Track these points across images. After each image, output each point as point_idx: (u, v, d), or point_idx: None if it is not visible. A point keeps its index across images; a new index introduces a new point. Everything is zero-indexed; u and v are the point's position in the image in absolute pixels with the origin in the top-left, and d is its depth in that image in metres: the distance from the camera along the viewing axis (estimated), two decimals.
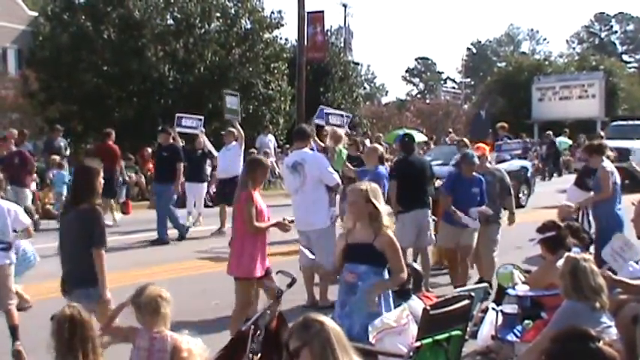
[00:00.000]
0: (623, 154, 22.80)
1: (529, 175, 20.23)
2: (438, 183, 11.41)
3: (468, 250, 9.64)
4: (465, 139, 15.54)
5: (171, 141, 15.18)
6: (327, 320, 3.66)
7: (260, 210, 7.27)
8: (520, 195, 18.82)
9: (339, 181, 9.70)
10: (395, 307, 5.70)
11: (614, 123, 28.13)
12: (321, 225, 9.17)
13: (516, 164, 19.14)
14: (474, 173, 9.61)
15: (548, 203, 19.05)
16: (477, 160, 9.59)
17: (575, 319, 4.88)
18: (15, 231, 7.39)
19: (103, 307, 5.80)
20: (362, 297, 5.59)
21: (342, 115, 14.54)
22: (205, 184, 17.20)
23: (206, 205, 19.73)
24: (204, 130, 16.60)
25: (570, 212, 9.85)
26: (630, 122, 27.38)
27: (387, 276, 5.75)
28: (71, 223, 6.15)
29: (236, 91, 29.28)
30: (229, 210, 11.96)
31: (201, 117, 16.76)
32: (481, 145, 11.04)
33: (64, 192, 17.06)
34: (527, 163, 21.05)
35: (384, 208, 5.83)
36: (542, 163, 29.18)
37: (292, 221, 7.93)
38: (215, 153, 16.33)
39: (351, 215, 5.85)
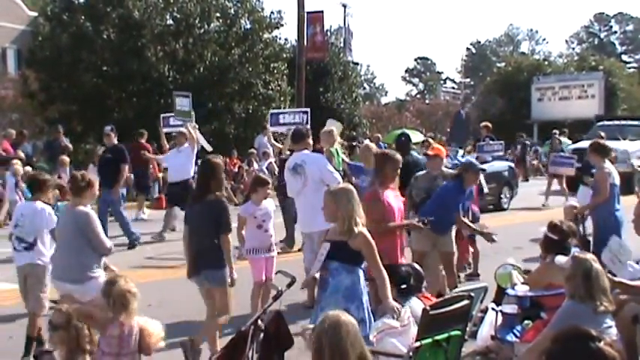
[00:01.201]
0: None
1: (510, 176, 19.39)
2: None
3: (450, 257, 8.79)
4: (430, 139, 15.53)
5: (115, 141, 14.71)
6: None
7: (390, 208, 7.25)
8: (502, 197, 18.37)
9: (340, 179, 9.69)
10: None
11: (600, 123, 27.00)
12: (325, 226, 9.12)
13: (498, 165, 18.54)
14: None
15: (528, 204, 19.11)
16: (480, 168, 9.35)
17: (576, 319, 4.87)
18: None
19: (223, 288, 6.84)
20: (332, 293, 5.69)
21: (298, 113, 14.45)
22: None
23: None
24: (197, 125, 15.81)
25: (574, 213, 9.84)
26: (616, 122, 26.47)
27: (361, 274, 5.81)
28: (200, 213, 6.86)
29: (236, 91, 29.50)
30: (181, 213, 11.83)
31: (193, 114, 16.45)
32: (436, 146, 10.68)
33: None
34: (509, 165, 20.33)
35: (357, 208, 5.83)
36: (516, 164, 28.45)
37: (425, 222, 7.74)
38: (208, 147, 15.96)
39: (325, 217, 5.98)
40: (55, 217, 7.43)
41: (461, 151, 18.03)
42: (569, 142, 30.13)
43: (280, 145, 13.97)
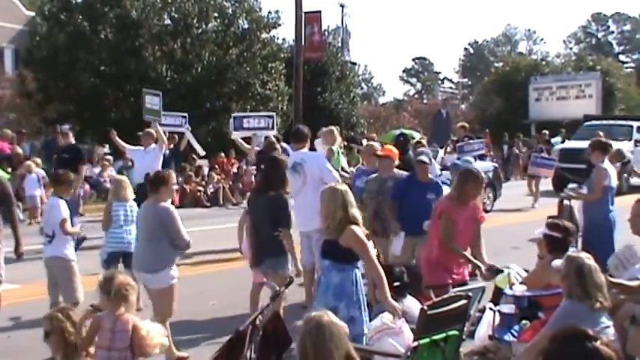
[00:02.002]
0: None
1: (494, 177, 18.95)
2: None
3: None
4: (423, 140, 15.45)
5: (72, 141, 14.30)
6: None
7: (457, 228, 6.93)
8: (485, 199, 17.54)
9: (339, 179, 9.68)
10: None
11: (588, 122, 26.49)
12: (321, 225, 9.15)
13: (481, 166, 18.11)
14: (431, 177, 9.01)
15: (514, 206, 19.03)
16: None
17: (574, 319, 4.88)
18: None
19: (284, 275, 7.13)
20: (322, 291, 5.74)
21: (263, 117, 14.23)
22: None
23: (203, 205, 19.84)
24: (189, 127, 15.83)
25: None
26: (604, 122, 25.94)
27: (355, 272, 5.78)
28: (263, 208, 7.30)
29: (234, 91, 29.52)
30: None
31: (185, 114, 16.20)
32: (388, 146, 10.20)
33: None
34: (493, 165, 19.99)
35: (348, 207, 5.82)
36: (502, 165, 27.92)
37: (498, 271, 7.15)
38: (200, 151, 15.63)
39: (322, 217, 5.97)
40: (67, 210, 7.81)
41: (441, 151, 17.99)
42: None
43: (247, 146, 13.71)
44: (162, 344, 5.31)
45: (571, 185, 10.57)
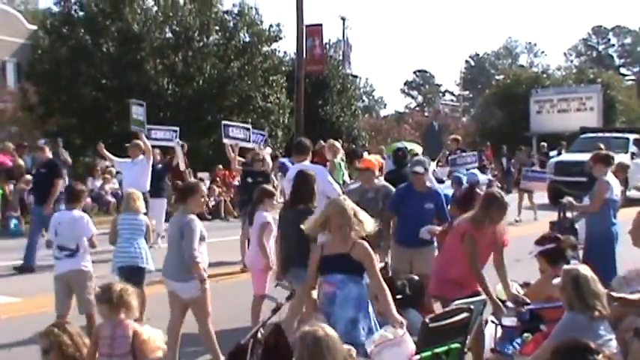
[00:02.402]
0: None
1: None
2: None
3: (424, 279, 7.47)
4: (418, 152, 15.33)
5: (49, 155, 14.09)
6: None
7: (478, 251, 6.75)
8: None
9: (340, 192, 9.68)
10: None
11: (584, 135, 26.28)
12: (322, 238, 9.13)
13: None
14: (429, 185, 8.75)
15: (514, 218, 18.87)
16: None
17: (576, 331, 4.87)
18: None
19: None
20: (341, 305, 5.67)
21: (246, 129, 14.17)
22: (165, 200, 15.90)
23: (204, 218, 19.78)
24: (180, 141, 15.76)
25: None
26: (601, 134, 25.29)
27: (365, 285, 5.78)
28: (291, 220, 7.27)
29: (235, 104, 29.56)
30: None
31: (176, 128, 16.08)
32: (367, 158, 10.22)
33: None
34: (488, 178, 19.64)
35: (364, 220, 5.85)
36: (502, 177, 27.55)
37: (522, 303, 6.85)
38: (182, 166, 15.53)
39: (333, 229, 5.87)
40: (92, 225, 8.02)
41: (433, 164, 17.85)
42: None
43: (232, 154, 13.68)
44: (163, 349, 5.37)
45: (569, 198, 10.46)
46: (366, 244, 5.78)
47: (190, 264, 6.93)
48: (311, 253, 6.15)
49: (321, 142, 15.34)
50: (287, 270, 7.52)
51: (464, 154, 18.01)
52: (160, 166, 15.35)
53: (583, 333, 4.78)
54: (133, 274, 8.50)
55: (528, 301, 6.85)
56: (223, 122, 14.12)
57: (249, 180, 12.68)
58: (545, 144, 30.43)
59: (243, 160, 13.89)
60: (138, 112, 14.71)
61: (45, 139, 16.21)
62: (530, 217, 18.88)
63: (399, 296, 6.19)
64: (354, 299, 5.70)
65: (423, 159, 9.05)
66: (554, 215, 14.98)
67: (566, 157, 24.80)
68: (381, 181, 9.49)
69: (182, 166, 15.59)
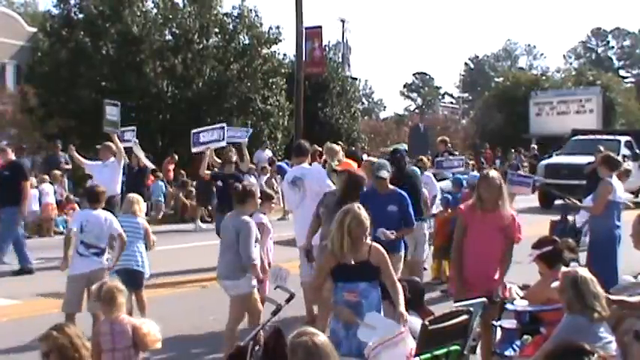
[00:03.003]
0: (581, 172, 20.57)
1: None
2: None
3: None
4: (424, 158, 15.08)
5: (11, 157, 13.67)
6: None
7: (473, 237, 6.90)
8: None
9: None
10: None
11: (575, 137, 26.00)
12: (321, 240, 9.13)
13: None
14: (390, 187, 8.38)
15: None
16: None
17: (576, 333, 4.88)
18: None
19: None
20: (369, 312, 5.54)
21: (220, 128, 13.41)
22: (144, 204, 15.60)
23: (204, 220, 19.81)
24: (137, 141, 15.15)
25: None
26: (592, 137, 25.02)
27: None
28: None
29: (235, 106, 29.55)
30: None
31: (134, 127, 15.64)
32: (346, 160, 9.54)
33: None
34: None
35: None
36: None
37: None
38: (150, 166, 14.96)
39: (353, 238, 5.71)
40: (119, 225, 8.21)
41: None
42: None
43: (207, 158, 13.34)
44: (160, 340, 5.68)
45: (572, 199, 10.42)
46: (380, 247, 5.77)
47: (248, 264, 7.25)
48: (324, 256, 6.12)
49: (315, 146, 15.23)
50: None
51: (451, 157, 17.55)
52: (136, 168, 14.93)
53: (583, 335, 4.78)
54: (129, 276, 8.51)
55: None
56: (192, 131, 13.50)
57: (220, 184, 12.48)
58: (535, 146, 30.30)
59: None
60: (112, 112, 14.32)
61: (5, 142, 15.87)
62: (530, 220, 18.72)
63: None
64: (376, 305, 5.71)
65: (385, 162, 8.66)
66: (543, 219, 14.97)
67: (556, 159, 24.59)
68: None
69: (150, 165, 14.85)
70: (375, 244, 5.77)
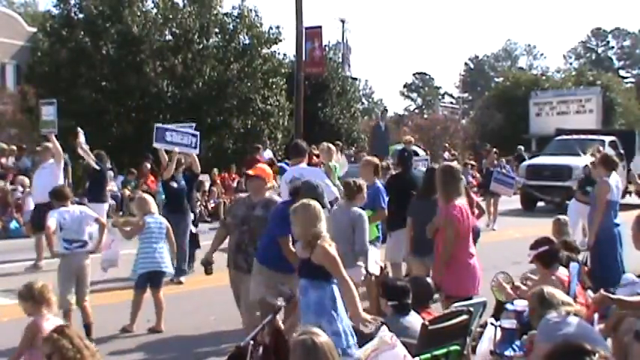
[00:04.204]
0: (563, 174, 21.33)
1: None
2: None
3: (274, 311, 6.22)
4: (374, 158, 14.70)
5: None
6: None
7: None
8: None
9: (338, 194, 9.66)
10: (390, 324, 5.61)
11: (558, 137, 25.82)
12: None
13: None
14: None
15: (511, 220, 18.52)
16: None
17: (553, 328, 4.93)
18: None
19: None
20: (304, 311, 5.74)
21: (190, 135, 12.38)
22: (105, 205, 14.77)
23: (204, 220, 19.79)
24: (82, 141, 14.25)
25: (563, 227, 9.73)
26: (576, 136, 24.79)
27: (332, 287, 5.70)
28: (425, 208, 7.97)
29: (235, 106, 29.56)
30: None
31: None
32: (260, 165, 8.69)
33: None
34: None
35: (317, 224, 5.72)
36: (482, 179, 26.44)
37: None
38: (95, 166, 14.03)
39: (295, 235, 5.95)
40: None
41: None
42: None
43: (165, 160, 12.24)
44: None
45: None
46: (327, 246, 5.65)
47: (363, 254, 7.60)
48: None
49: (313, 146, 15.15)
50: (425, 252, 8.00)
51: (416, 157, 16.20)
52: (98, 167, 14.24)
53: (560, 329, 4.83)
54: (156, 277, 8.63)
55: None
56: (156, 125, 12.60)
57: (175, 185, 12.01)
58: (522, 147, 30.03)
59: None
60: (48, 112, 13.67)
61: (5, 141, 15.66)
62: (533, 222, 18.61)
63: (394, 302, 6.03)
64: (313, 305, 5.66)
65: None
66: (524, 222, 14.90)
67: (538, 160, 24.30)
68: (272, 195, 7.90)
69: (96, 166, 14.03)
70: (324, 244, 5.65)
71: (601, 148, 18.28)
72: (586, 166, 13.99)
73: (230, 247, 7.61)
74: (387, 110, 46.03)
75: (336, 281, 5.68)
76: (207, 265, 7.73)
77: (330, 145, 12.37)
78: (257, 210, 7.39)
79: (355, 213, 7.80)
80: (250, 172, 7.93)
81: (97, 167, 13.99)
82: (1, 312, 9.30)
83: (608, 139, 23.84)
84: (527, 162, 24.40)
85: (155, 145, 12.15)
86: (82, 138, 13.98)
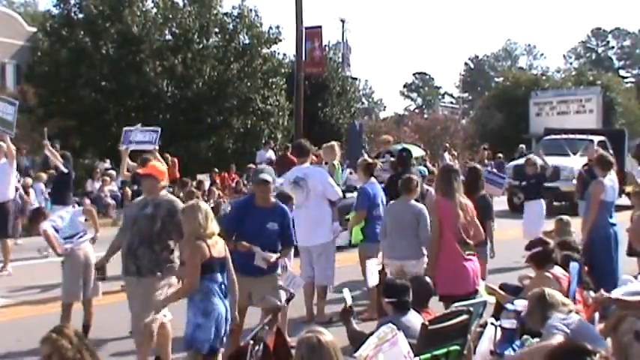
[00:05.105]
0: (551, 174, 19.94)
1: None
2: None
3: (274, 311, 6.43)
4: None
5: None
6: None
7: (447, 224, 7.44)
8: None
9: (341, 194, 9.67)
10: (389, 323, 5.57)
11: (547, 137, 25.09)
12: (324, 239, 9.08)
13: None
14: (274, 201, 7.47)
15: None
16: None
17: (560, 328, 4.93)
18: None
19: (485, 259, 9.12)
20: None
21: (152, 131, 12.52)
22: (69, 208, 14.40)
23: None
24: (47, 142, 13.99)
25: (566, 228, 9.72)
26: (564, 136, 24.28)
27: (207, 283, 5.98)
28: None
29: (234, 106, 29.57)
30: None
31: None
32: (153, 163, 8.11)
33: None
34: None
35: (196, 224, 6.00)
36: None
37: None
38: (62, 168, 13.62)
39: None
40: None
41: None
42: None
43: (131, 163, 11.91)
44: None
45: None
46: (197, 246, 5.92)
47: (427, 245, 7.75)
48: None
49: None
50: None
51: (392, 158, 14.96)
52: (65, 169, 13.76)
53: (567, 328, 4.84)
54: None
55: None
56: (125, 129, 12.51)
57: (136, 187, 11.56)
58: (524, 146, 29.75)
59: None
60: (6, 110, 12.76)
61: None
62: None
63: (393, 299, 5.98)
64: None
65: (269, 168, 8.11)
66: (512, 224, 14.71)
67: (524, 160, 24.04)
68: (166, 194, 7.25)
69: (61, 167, 13.59)
70: (197, 242, 5.96)
71: (597, 148, 18.04)
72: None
73: (122, 251, 6.94)
74: (359, 110, 45.20)
75: (207, 276, 5.98)
76: (99, 270, 7.63)
77: (335, 144, 12.32)
78: (147, 209, 6.84)
79: (417, 207, 8.30)
80: (140, 170, 7.47)
81: (65, 169, 13.49)
82: None
83: (597, 138, 23.48)
84: (513, 162, 24.10)
85: (122, 147, 12.08)
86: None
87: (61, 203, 12.92)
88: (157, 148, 12.14)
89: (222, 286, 6.06)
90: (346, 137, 27.19)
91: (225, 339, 6.19)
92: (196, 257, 5.89)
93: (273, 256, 7.04)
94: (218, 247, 6.05)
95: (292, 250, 8.14)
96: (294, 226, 7.81)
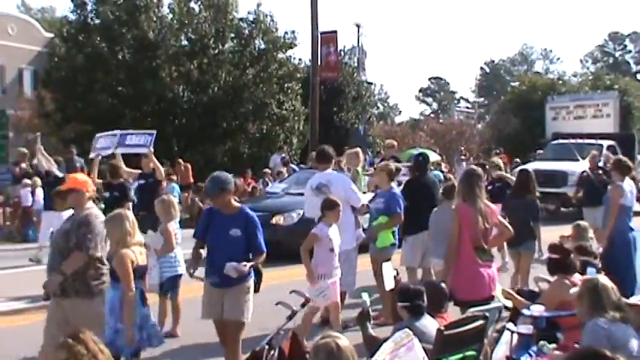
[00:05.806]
0: (558, 180, 20.49)
1: None
2: None
3: (238, 328, 6.69)
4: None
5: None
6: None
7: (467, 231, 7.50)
8: None
9: (364, 200, 9.58)
10: (404, 328, 5.54)
11: (554, 141, 25.18)
12: (347, 246, 8.94)
13: None
14: (237, 206, 6.97)
15: None
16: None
17: (602, 334, 4.87)
18: None
19: (531, 253, 10.19)
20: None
21: (147, 134, 12.54)
22: (64, 214, 14.08)
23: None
24: (41, 147, 13.95)
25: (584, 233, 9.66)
26: (573, 140, 23.89)
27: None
28: (520, 207, 10.01)
29: (250, 111, 29.62)
30: None
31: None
32: (72, 175, 7.89)
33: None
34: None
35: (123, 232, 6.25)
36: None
37: None
38: (57, 172, 13.52)
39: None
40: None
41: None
42: None
43: (94, 166, 12.41)
44: None
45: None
46: (123, 255, 6.15)
47: None
48: None
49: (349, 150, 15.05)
50: (519, 243, 9.51)
51: (397, 163, 15.65)
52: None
53: (611, 334, 4.79)
54: (175, 282, 8.68)
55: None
56: (119, 133, 12.56)
57: (107, 194, 11.82)
58: (542, 151, 29.45)
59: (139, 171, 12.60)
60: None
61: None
62: (544, 227, 18.30)
63: (406, 303, 5.86)
64: (108, 302, 6.27)
65: (224, 173, 7.13)
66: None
67: (532, 165, 23.60)
68: (92, 206, 6.66)
69: (57, 172, 13.60)
70: (123, 250, 6.20)
71: (603, 152, 17.68)
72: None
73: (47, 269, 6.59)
74: (363, 115, 45.03)
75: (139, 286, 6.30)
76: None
77: (358, 150, 12.25)
78: (67, 224, 6.50)
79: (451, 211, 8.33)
80: (60, 188, 7.06)
81: (60, 174, 13.24)
82: None
83: (606, 143, 23.27)
84: (519, 167, 23.89)
85: (117, 151, 12.22)
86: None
87: (54, 209, 12.23)
88: (152, 150, 12.23)
89: (142, 293, 6.39)
90: (352, 141, 27.26)
91: (146, 342, 6.47)
92: (128, 263, 6.17)
93: (247, 265, 6.55)
94: (142, 256, 6.41)
95: (336, 259, 8.06)
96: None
